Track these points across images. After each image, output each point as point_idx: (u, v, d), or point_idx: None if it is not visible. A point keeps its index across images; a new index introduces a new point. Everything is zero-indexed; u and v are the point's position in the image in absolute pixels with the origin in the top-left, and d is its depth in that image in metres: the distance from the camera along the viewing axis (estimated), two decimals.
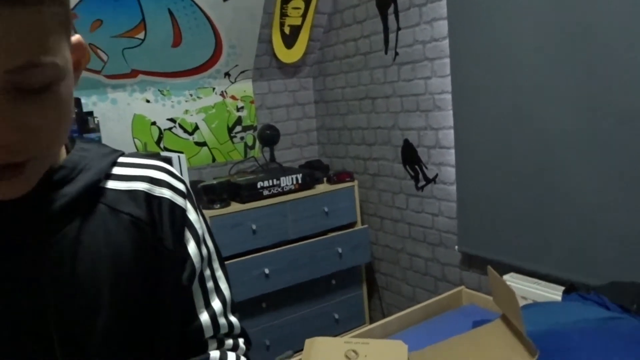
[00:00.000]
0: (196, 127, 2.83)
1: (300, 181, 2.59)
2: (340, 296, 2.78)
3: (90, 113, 2.39)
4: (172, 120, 2.76)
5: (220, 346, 0.73)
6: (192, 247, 0.68)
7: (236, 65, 2.88)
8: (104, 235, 0.60)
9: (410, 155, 2.56)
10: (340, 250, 2.66)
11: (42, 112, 0.48)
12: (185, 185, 0.70)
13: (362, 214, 2.90)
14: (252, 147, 3.03)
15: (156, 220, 0.64)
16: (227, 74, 2.89)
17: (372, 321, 2.94)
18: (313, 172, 2.71)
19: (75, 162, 0.61)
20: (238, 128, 2.98)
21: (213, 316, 0.71)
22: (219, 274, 0.74)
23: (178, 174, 0.71)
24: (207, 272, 0.71)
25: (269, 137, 2.84)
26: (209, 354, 0.70)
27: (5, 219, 0.54)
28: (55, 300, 0.57)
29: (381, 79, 2.66)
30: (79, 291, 0.58)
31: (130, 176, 0.65)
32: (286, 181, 2.55)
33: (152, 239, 0.64)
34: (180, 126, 2.79)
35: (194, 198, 0.71)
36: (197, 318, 0.70)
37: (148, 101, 2.68)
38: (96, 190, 0.62)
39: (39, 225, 0.57)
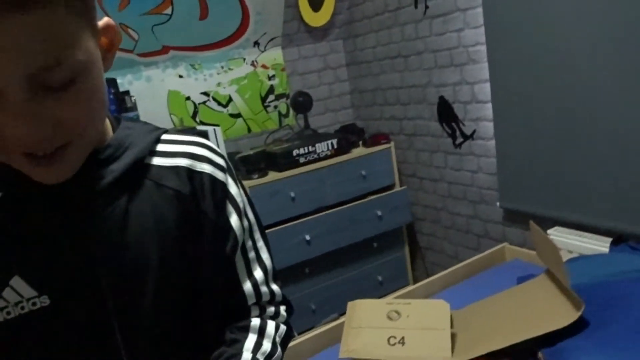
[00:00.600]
0: (230, 99, 2.85)
1: (335, 146, 2.58)
2: (382, 258, 2.80)
3: (127, 92, 2.44)
4: (206, 93, 2.78)
5: (262, 313, 0.76)
6: (234, 219, 0.71)
7: (264, 33, 2.85)
8: (150, 208, 0.64)
9: (446, 112, 2.50)
10: (379, 212, 2.66)
11: (70, 105, 0.51)
12: (224, 159, 0.73)
13: (400, 175, 2.88)
14: (286, 115, 3.03)
15: (199, 195, 0.67)
16: (256, 43, 2.87)
17: (415, 282, 2.96)
18: (348, 137, 2.69)
19: (121, 141, 0.64)
20: (271, 97, 2.98)
21: (255, 285, 0.74)
22: (260, 244, 0.76)
23: (217, 149, 0.73)
24: (249, 243, 0.74)
25: (302, 103, 2.83)
26: (250, 321, 0.73)
27: (58, 196, 0.58)
28: (108, 270, 0.61)
29: (412, 34, 2.58)
30: (128, 260, 0.62)
31: (172, 153, 0.69)
32: (322, 147, 2.55)
33: (195, 212, 0.67)
34: (214, 99, 2.82)
35: (233, 172, 0.74)
36: (240, 287, 0.73)
37: (181, 76, 2.70)
38: (142, 166, 0.65)
39: (90, 201, 0.60)
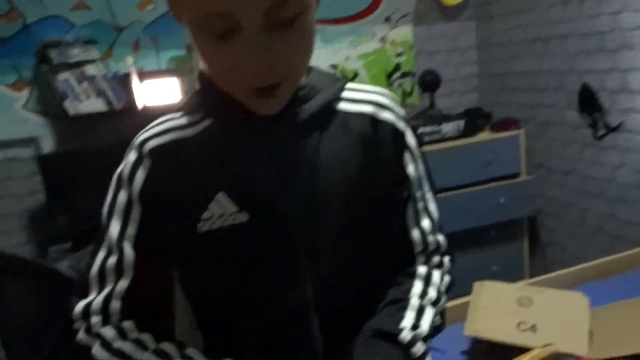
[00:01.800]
0: (356, 74, 2.86)
1: (462, 128, 2.51)
2: (499, 248, 2.69)
3: None
4: (334, 66, 2.82)
5: (428, 261, 0.78)
6: (410, 169, 0.73)
7: (397, 10, 2.82)
8: (336, 149, 0.68)
9: (588, 101, 2.32)
10: (502, 200, 2.55)
11: (294, 41, 0.57)
12: (403, 112, 0.75)
13: (528, 165, 2.73)
14: (410, 94, 2.99)
15: (380, 142, 0.71)
16: (387, 19, 2.85)
17: (532, 277, 2.81)
18: (476, 119, 2.60)
19: (314, 84, 0.69)
20: (396, 74, 2.95)
21: (422, 234, 0.76)
22: (429, 196, 0.78)
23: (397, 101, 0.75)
24: (419, 193, 0.75)
25: (430, 82, 2.77)
26: (416, 268, 0.75)
27: (262, 129, 0.65)
28: (300, 197, 0.66)
29: (557, 17, 2.41)
30: (317, 192, 0.67)
31: (358, 100, 0.72)
32: (448, 127, 2.49)
33: (376, 158, 0.70)
34: (341, 73, 2.85)
35: (410, 124, 0.75)
36: (408, 234, 0.75)
37: None
38: (331, 109, 0.70)
39: (287, 135, 0.66)
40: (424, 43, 2.97)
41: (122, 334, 0.66)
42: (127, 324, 0.67)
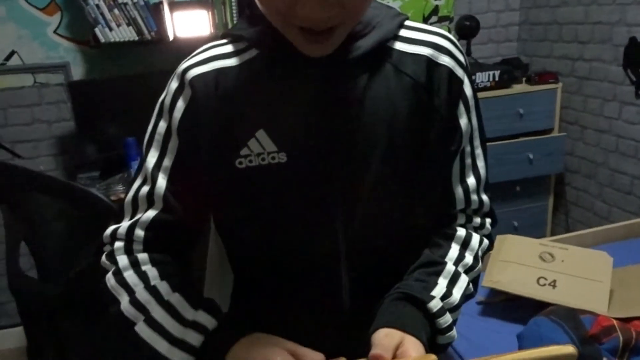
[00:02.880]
0: None
1: (497, 78, 2.42)
2: (523, 204, 2.66)
3: None
4: None
5: (468, 222, 0.75)
6: (463, 120, 0.69)
7: None
8: (386, 92, 0.65)
9: (635, 57, 2.21)
10: (531, 156, 2.50)
11: None
12: (465, 58, 0.70)
13: (561, 121, 2.65)
14: None
15: (434, 88, 0.66)
16: None
17: (553, 234, 2.79)
18: (512, 70, 2.50)
19: (369, 20, 0.65)
20: (434, 18, 2.83)
21: (467, 191, 0.72)
22: (478, 151, 0.73)
23: (459, 45, 0.70)
24: (468, 149, 0.72)
25: (468, 28, 2.66)
26: (455, 230, 0.73)
27: (309, 66, 0.62)
28: (342, 140, 0.64)
29: None
30: (359, 135, 0.64)
31: (415, 40, 0.68)
32: (482, 77, 2.41)
33: (428, 105, 0.66)
34: None
35: (470, 72, 0.70)
36: (451, 190, 0.72)
37: None
38: (384, 48, 0.66)
39: (335, 74, 0.63)
40: None
41: (133, 264, 0.66)
42: (142, 255, 0.67)
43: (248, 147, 0.63)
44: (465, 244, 0.72)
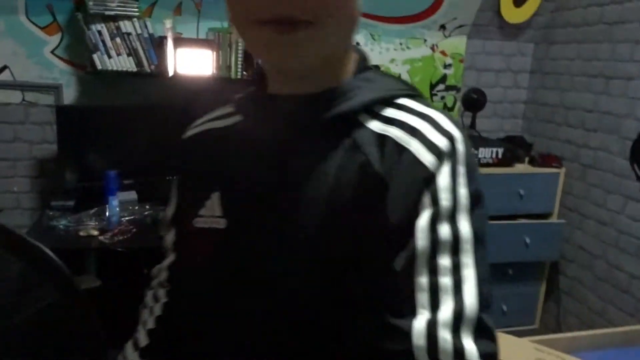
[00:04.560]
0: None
1: (500, 156, 2.36)
2: (514, 288, 2.54)
3: None
4: (376, 67, 2.68)
5: None
6: (423, 220, 0.54)
7: (454, 18, 2.66)
8: (337, 169, 0.58)
9: None
10: (527, 240, 2.40)
11: None
12: (452, 141, 0.57)
13: (561, 206, 2.57)
14: (451, 109, 2.84)
15: (393, 175, 0.56)
16: (442, 27, 2.69)
17: (542, 324, 2.66)
18: (516, 149, 2.44)
19: (347, 89, 0.60)
20: (441, 86, 2.80)
21: (432, 327, 0.51)
22: (468, 272, 0.53)
23: (454, 126, 0.59)
24: (445, 263, 0.53)
25: (475, 101, 2.62)
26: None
27: (276, 129, 0.61)
28: (280, 218, 0.60)
29: (627, 55, 2.24)
30: (302, 209, 0.58)
31: (390, 119, 0.59)
32: (485, 153, 2.34)
33: (379, 197, 0.56)
34: None
35: (462, 160, 0.57)
36: (405, 317, 0.52)
37: (358, 44, 2.62)
38: (353, 122, 0.60)
39: (296, 140, 0.60)
40: (476, 58, 2.81)
41: (155, 298, 0.76)
42: (161, 291, 0.76)
43: (205, 207, 0.65)
44: None
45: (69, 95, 2.30)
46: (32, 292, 0.91)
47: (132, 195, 2.18)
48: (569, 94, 2.58)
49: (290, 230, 0.59)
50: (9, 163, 2.29)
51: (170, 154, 0.69)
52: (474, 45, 2.79)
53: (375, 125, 0.59)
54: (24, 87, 2.25)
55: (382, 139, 0.58)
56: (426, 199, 0.55)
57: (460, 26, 2.70)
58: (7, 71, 2.22)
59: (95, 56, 2.12)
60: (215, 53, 2.24)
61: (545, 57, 2.77)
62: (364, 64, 0.64)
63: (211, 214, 0.64)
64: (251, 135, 0.63)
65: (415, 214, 0.54)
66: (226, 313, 0.65)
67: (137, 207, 2.11)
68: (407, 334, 0.51)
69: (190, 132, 0.72)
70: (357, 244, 0.56)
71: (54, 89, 2.27)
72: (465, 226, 0.55)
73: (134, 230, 1.94)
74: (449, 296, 0.52)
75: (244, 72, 2.28)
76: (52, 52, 2.26)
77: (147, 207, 2.12)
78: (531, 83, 2.88)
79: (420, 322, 0.51)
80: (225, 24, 2.34)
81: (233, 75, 2.26)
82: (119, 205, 2.00)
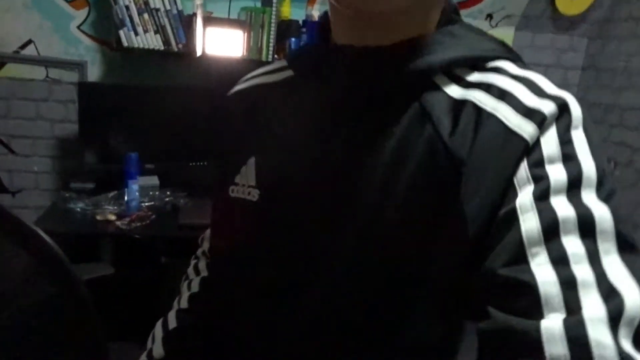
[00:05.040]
0: None
1: None
2: None
3: None
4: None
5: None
6: (524, 197, 0.41)
7: (502, 8, 2.48)
8: (398, 142, 0.47)
9: None
10: None
11: None
12: (561, 104, 0.43)
13: None
14: None
15: (473, 150, 0.44)
16: (489, 16, 2.51)
17: None
18: None
19: (427, 44, 0.48)
20: None
21: (576, 327, 0.34)
22: (613, 260, 0.37)
23: (563, 90, 0.45)
24: (575, 249, 0.37)
25: None
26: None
27: (330, 94, 0.52)
28: (334, 191, 0.50)
29: None
30: (351, 192, 0.49)
31: (475, 83, 0.47)
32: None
33: (450, 180, 0.44)
34: None
35: (578, 125, 0.44)
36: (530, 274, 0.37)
37: None
38: (427, 84, 0.48)
39: (350, 108, 0.50)
40: (524, 52, 2.60)
41: (196, 270, 0.73)
42: (202, 263, 0.73)
43: (240, 174, 0.57)
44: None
45: (94, 73, 2.21)
46: (29, 283, 0.82)
47: (154, 180, 2.08)
48: (625, 92, 2.37)
49: (333, 215, 0.49)
50: (29, 141, 2.21)
51: (215, 113, 0.66)
52: (523, 37, 2.60)
53: (453, 90, 0.48)
54: (48, 62, 2.16)
55: (461, 105, 0.46)
56: (523, 174, 0.42)
57: (509, 16, 2.52)
58: (31, 46, 2.14)
59: (121, 32, 2.02)
60: (246, 34, 2.12)
61: (599, 53, 2.56)
62: (452, 17, 0.52)
63: (245, 182, 0.57)
64: (300, 93, 0.55)
65: (509, 197, 0.42)
66: (262, 309, 0.55)
67: (157, 193, 2.01)
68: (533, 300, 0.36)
69: (236, 88, 0.65)
70: (419, 239, 0.45)
71: (79, 65, 2.18)
72: (596, 204, 0.39)
73: (153, 216, 1.83)
74: (593, 291, 0.35)
75: (276, 55, 2.15)
76: (79, 27, 2.17)
77: (168, 193, 2.02)
78: (582, 80, 2.67)
79: (553, 323, 0.34)
80: (259, 3, 2.22)
81: (264, 58, 2.13)
82: (139, 190, 1.90)
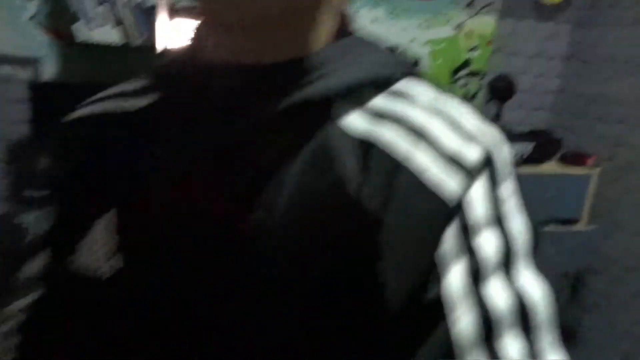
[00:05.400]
0: (416, 62, 2.45)
1: (529, 153, 2.10)
2: None
3: None
4: (392, 48, 2.41)
5: None
6: (453, 280, 0.35)
7: None
8: (295, 186, 0.37)
9: None
10: (551, 250, 2.16)
11: None
12: (486, 143, 0.37)
13: (591, 212, 2.31)
14: (474, 97, 2.57)
15: (387, 207, 0.35)
16: (469, 4, 2.40)
17: None
18: (547, 146, 2.18)
19: (318, 63, 0.39)
20: (464, 71, 2.52)
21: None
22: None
23: (486, 121, 0.40)
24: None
25: (502, 89, 2.35)
26: None
27: (213, 103, 0.40)
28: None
29: None
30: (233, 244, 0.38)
31: (381, 113, 0.39)
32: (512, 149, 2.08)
33: (364, 239, 0.35)
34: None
35: (506, 175, 0.38)
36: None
37: (375, 20, 2.34)
38: (324, 112, 0.38)
39: (238, 129, 0.39)
40: (506, 40, 2.52)
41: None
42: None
43: (87, 237, 0.42)
44: None
45: (49, 70, 2.07)
46: None
47: None
48: (610, 83, 2.30)
49: (220, 281, 0.38)
50: None
51: (46, 145, 0.46)
52: (505, 25, 2.49)
53: (357, 122, 0.39)
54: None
55: (368, 147, 0.37)
56: (447, 248, 0.35)
57: (490, 4, 2.41)
58: None
59: (75, 26, 1.89)
60: None
61: (584, 41, 2.47)
62: (344, 29, 0.44)
63: (96, 247, 0.43)
64: (164, 128, 0.42)
65: (432, 279, 0.35)
66: None
67: None
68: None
69: (76, 114, 0.50)
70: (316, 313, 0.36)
71: (32, 62, 2.03)
72: (532, 284, 0.36)
73: None
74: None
75: None
76: (32, 18, 2.02)
77: None
78: (566, 70, 2.59)
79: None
80: None
81: None
82: None
